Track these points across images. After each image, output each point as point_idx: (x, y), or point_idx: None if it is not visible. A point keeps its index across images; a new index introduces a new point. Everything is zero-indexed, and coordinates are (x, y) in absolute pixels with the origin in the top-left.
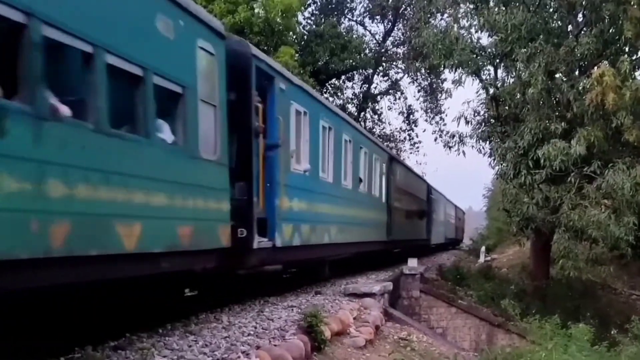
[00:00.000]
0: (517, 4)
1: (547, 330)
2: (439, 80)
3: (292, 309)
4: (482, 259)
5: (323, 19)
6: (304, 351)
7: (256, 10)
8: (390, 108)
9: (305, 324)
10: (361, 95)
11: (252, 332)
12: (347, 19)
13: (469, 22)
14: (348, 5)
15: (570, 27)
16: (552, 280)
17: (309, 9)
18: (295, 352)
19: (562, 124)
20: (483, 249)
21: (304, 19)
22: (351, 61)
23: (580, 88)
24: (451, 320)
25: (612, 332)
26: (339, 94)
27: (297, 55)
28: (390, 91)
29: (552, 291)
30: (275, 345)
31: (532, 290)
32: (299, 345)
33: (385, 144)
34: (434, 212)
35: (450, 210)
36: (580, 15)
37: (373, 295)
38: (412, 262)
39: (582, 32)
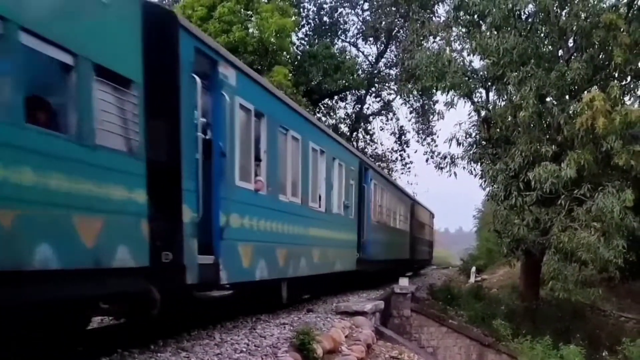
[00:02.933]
0: (509, 29)
1: (538, 351)
2: (431, 102)
3: (285, 327)
4: (472, 279)
5: (317, 40)
6: None
7: (250, 30)
8: (383, 129)
9: (297, 341)
10: (354, 115)
11: (244, 349)
12: (340, 40)
13: (461, 46)
14: (342, 26)
15: (561, 52)
16: (542, 301)
17: (303, 30)
18: None
19: (553, 147)
20: (473, 269)
21: (297, 39)
22: (344, 82)
23: (570, 112)
24: (442, 340)
25: (603, 354)
26: (332, 113)
27: (290, 75)
28: (382, 112)
29: (542, 312)
30: None
31: (522, 310)
32: None
33: (377, 164)
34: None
35: (396, 202)
36: (571, 40)
37: (365, 313)
38: (403, 282)
39: (573, 57)
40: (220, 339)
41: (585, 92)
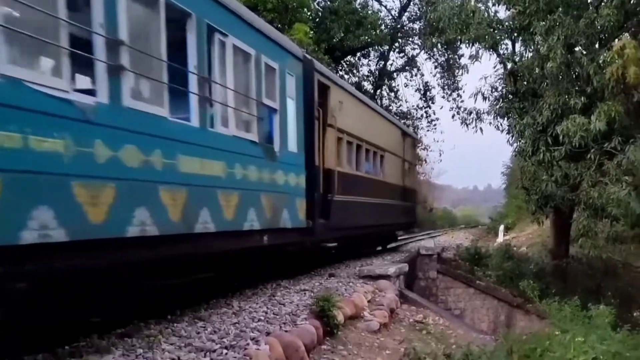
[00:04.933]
0: None
1: (567, 312)
2: (456, 56)
3: (305, 293)
4: (501, 237)
5: None
6: (316, 336)
7: None
8: (407, 85)
9: (317, 308)
10: (377, 72)
11: (262, 318)
12: None
13: None
14: None
15: None
16: (572, 259)
17: None
18: (306, 338)
19: (582, 98)
20: (502, 227)
21: None
22: (367, 38)
23: (600, 61)
24: (469, 302)
25: (635, 314)
26: (355, 71)
27: (311, 32)
28: (406, 68)
29: (572, 270)
30: (285, 331)
31: (552, 269)
32: (311, 331)
33: (403, 121)
34: None
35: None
36: None
37: (388, 277)
38: (429, 243)
39: (603, 3)
40: (238, 307)
41: (616, 40)
